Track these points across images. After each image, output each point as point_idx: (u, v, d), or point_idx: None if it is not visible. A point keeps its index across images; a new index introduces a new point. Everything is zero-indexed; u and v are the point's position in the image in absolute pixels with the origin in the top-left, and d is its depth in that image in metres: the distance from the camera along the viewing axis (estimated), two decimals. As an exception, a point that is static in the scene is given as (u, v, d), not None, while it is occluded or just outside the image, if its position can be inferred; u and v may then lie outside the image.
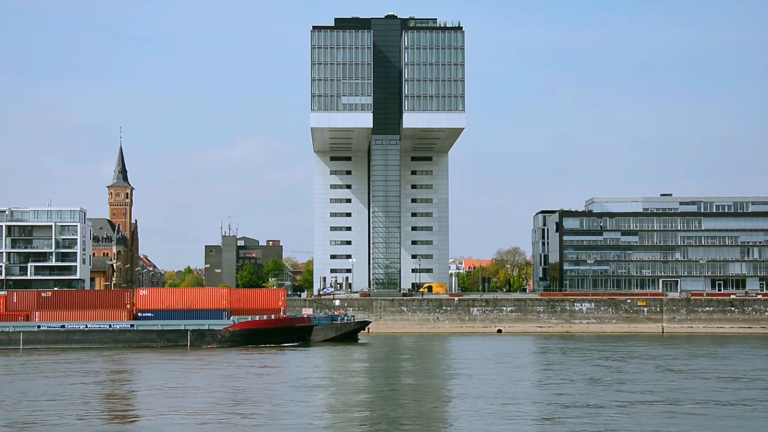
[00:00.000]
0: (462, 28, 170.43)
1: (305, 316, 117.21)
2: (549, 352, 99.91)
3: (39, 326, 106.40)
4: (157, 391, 65.22)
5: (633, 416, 52.44)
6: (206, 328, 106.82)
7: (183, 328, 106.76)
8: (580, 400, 58.64)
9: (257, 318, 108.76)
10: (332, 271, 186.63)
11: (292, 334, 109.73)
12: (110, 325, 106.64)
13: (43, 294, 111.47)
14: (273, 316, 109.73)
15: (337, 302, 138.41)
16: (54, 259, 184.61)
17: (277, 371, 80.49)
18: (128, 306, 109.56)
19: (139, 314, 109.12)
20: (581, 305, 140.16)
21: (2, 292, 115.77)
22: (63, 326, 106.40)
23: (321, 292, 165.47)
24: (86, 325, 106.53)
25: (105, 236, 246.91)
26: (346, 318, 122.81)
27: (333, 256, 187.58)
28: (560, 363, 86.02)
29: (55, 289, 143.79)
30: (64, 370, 79.46)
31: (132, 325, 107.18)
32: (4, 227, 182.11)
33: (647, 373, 76.66)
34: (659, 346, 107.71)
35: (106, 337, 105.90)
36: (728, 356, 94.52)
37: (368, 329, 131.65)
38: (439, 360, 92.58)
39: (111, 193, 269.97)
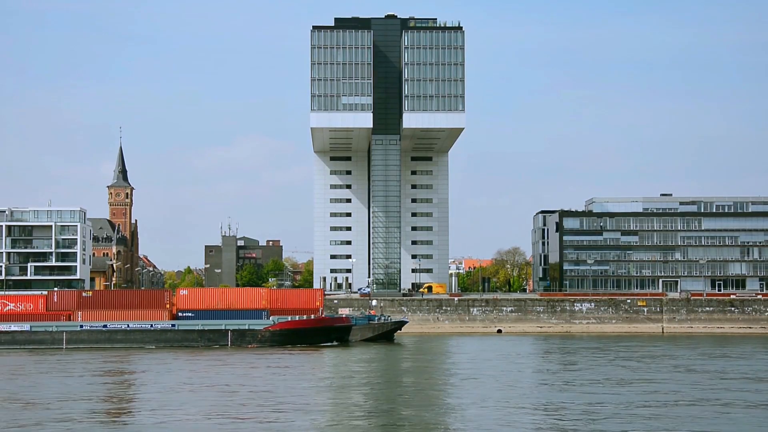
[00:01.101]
0: (462, 28, 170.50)
1: (343, 316, 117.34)
2: (558, 353, 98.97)
3: (82, 326, 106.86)
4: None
5: (680, 418, 52.34)
6: (246, 327, 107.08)
7: (224, 327, 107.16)
8: (626, 401, 58.49)
9: (297, 318, 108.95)
10: (332, 271, 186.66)
11: (331, 334, 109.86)
12: (152, 325, 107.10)
13: (84, 294, 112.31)
14: (312, 316, 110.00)
15: (374, 302, 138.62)
16: (54, 259, 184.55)
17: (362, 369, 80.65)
18: (168, 306, 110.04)
19: (180, 314, 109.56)
20: (581, 305, 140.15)
21: (43, 292, 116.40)
22: (105, 326, 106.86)
23: (360, 292, 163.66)
24: (128, 325, 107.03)
25: (105, 236, 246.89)
26: (382, 318, 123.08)
27: (333, 256, 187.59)
28: (578, 363, 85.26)
29: (94, 289, 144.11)
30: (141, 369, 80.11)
31: (173, 325, 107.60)
32: (4, 227, 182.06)
33: (667, 372, 76.53)
34: (671, 347, 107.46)
35: (148, 337, 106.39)
36: (745, 356, 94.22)
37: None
38: (487, 364, 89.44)
39: (111, 193, 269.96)
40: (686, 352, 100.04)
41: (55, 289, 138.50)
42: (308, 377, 75.39)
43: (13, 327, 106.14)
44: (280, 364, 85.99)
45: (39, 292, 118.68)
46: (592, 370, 78.97)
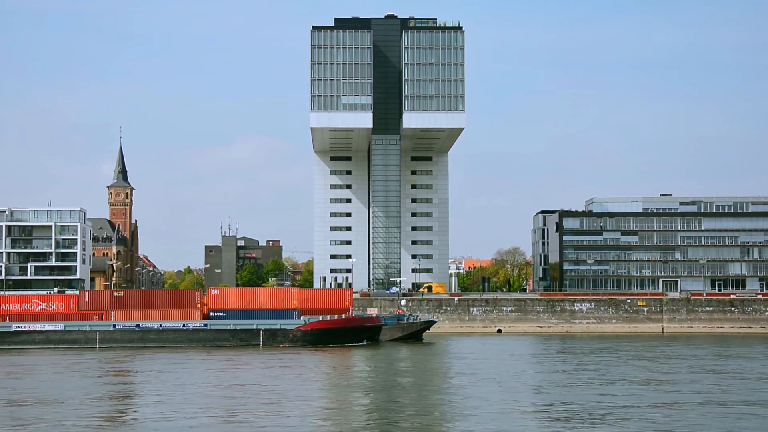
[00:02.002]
0: (462, 28, 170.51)
1: (373, 315, 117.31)
2: (569, 353, 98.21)
3: (114, 325, 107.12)
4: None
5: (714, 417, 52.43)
6: (278, 327, 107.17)
7: (255, 327, 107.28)
8: (654, 401, 58.46)
9: (328, 318, 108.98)
10: (332, 270, 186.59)
11: (362, 333, 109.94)
12: (183, 325, 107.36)
13: (115, 294, 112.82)
14: (343, 316, 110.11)
15: (402, 302, 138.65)
16: (54, 259, 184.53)
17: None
18: (199, 305, 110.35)
19: (211, 314, 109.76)
20: (581, 305, 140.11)
21: (74, 292, 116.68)
22: (138, 325, 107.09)
23: (389, 292, 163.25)
24: (160, 325, 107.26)
25: (105, 236, 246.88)
26: (411, 318, 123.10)
27: (333, 256, 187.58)
28: (596, 364, 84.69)
29: (124, 287, 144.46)
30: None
31: (205, 325, 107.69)
32: (4, 227, 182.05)
33: (684, 373, 76.52)
34: (682, 347, 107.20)
35: (180, 337, 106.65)
36: (758, 356, 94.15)
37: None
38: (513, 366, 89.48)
39: (111, 193, 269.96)
40: (700, 351, 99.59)
41: (86, 289, 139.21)
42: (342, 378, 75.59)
43: (47, 326, 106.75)
44: (318, 364, 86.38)
45: (72, 292, 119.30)
46: (610, 370, 78.41)
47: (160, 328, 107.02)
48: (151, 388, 67.01)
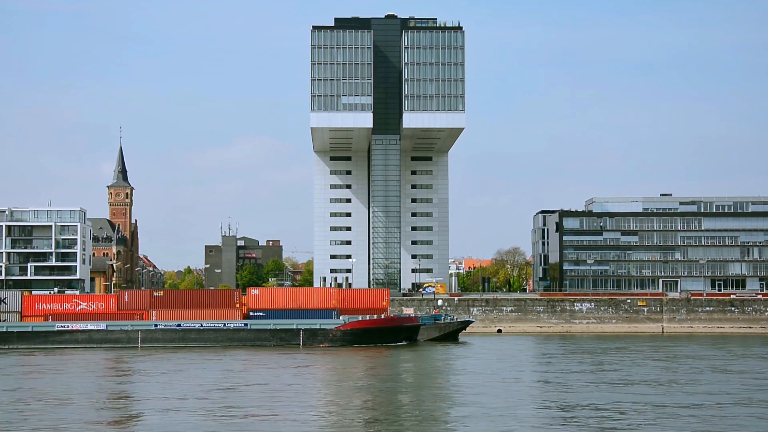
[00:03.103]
0: (462, 28, 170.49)
1: (411, 315, 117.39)
2: (581, 353, 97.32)
3: (156, 325, 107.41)
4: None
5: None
6: (318, 327, 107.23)
7: (295, 327, 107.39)
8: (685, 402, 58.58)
9: (367, 317, 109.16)
10: (332, 271, 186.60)
11: (401, 333, 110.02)
12: (224, 324, 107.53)
13: (155, 293, 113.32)
14: (383, 316, 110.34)
15: (440, 302, 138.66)
16: (54, 259, 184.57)
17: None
18: (238, 305, 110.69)
19: (252, 313, 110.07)
20: (581, 305, 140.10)
21: (75, 291, 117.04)
22: (179, 325, 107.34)
23: (425, 293, 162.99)
24: (201, 324, 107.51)
25: (105, 236, 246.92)
26: (448, 318, 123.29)
27: (333, 256, 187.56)
28: (615, 364, 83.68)
29: (165, 288, 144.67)
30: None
31: (245, 325, 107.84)
32: (4, 227, 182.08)
33: (709, 373, 76.47)
34: (697, 347, 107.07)
35: (221, 336, 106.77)
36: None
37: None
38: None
39: (111, 193, 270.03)
40: (716, 352, 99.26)
41: (125, 288, 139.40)
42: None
43: (90, 326, 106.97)
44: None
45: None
46: (624, 371, 78.05)
47: (201, 328, 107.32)
48: (153, 389, 67.03)
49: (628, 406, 56.49)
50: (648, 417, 52.31)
